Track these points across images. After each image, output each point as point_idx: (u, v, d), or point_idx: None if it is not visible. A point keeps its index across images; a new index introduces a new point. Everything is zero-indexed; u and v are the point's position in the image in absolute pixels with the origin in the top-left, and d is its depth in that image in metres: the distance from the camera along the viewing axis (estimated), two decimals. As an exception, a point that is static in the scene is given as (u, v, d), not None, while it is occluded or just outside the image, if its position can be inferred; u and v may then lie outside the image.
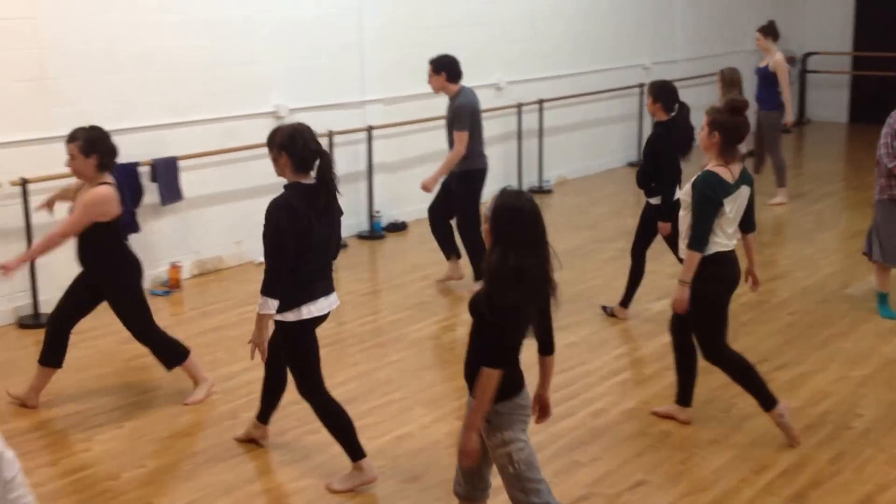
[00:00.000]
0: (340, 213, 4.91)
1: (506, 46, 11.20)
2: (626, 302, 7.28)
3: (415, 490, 4.86)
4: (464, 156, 7.72)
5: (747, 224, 5.31)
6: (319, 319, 4.79)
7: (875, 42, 15.76)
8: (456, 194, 7.87)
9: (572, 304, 7.46)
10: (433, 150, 10.41)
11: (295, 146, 4.63)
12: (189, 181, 8.09)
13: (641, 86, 13.09)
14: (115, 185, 5.61)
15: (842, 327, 7.06)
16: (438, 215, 8.03)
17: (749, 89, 10.53)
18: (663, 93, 6.90)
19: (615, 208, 10.49)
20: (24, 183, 7.06)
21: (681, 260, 5.33)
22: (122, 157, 7.56)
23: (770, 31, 10.83)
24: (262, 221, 4.59)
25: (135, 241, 7.75)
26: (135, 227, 7.74)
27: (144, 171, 7.83)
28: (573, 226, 10.02)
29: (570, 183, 12.14)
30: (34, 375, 5.82)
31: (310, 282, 4.68)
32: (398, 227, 9.95)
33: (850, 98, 16.41)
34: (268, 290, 4.57)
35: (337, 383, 6.11)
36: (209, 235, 8.43)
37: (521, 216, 3.66)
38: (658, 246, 9.20)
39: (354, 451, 4.85)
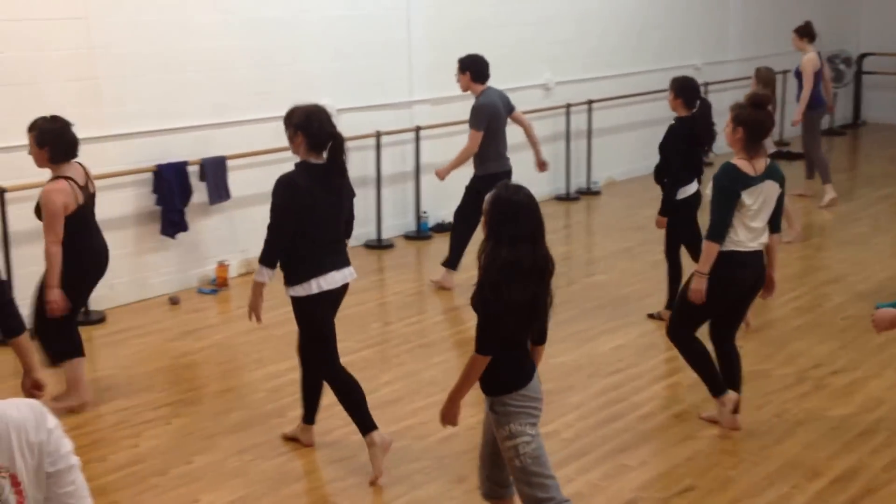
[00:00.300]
0: (352, 194, 5.04)
1: (555, 46, 11.13)
2: (671, 304, 7.19)
3: (460, 491, 4.83)
4: (484, 158, 7.74)
5: (773, 225, 5.25)
6: (333, 293, 4.90)
7: (932, 42, 15.49)
8: (468, 193, 7.83)
9: (620, 306, 7.40)
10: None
11: (311, 127, 4.78)
12: (237, 181, 8.13)
13: (692, 87, 12.95)
14: (69, 179, 5.51)
15: (897, 332, 6.92)
16: (462, 219, 7.95)
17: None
18: (685, 89, 6.90)
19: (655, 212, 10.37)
20: (75, 181, 7.13)
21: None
22: (171, 157, 7.73)
23: (805, 31, 10.84)
24: None
25: (182, 240, 7.89)
26: (183, 226, 7.81)
27: (193, 170, 7.88)
28: (621, 228, 9.93)
29: (619, 185, 12.04)
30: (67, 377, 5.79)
31: (318, 257, 4.83)
32: (445, 228, 9.90)
33: (906, 99, 16.15)
34: (264, 259, 4.82)
35: (382, 383, 6.12)
36: (256, 234, 8.31)
37: (517, 210, 3.70)
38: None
39: (366, 425, 4.96)
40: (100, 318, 7.28)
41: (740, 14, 14.01)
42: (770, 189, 5.14)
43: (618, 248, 9.01)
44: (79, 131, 7.18)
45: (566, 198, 11.36)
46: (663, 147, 6.91)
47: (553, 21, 11.09)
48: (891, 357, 6.47)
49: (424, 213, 9.81)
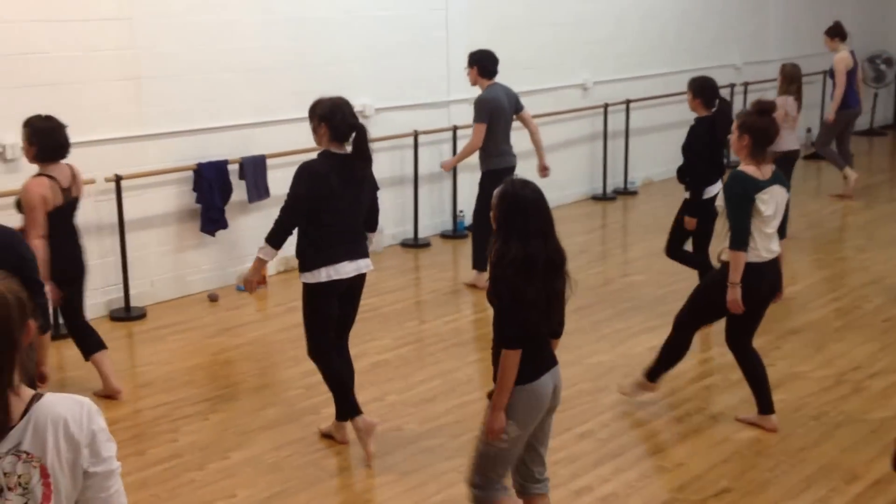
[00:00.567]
0: (375, 187, 5.16)
1: (593, 46, 11.11)
2: None
3: (495, 490, 4.83)
4: (487, 154, 7.78)
5: (780, 230, 5.29)
6: (343, 283, 4.99)
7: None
8: (479, 190, 7.87)
9: (656, 307, 7.37)
10: (517, 149, 10.37)
11: (334, 118, 4.91)
12: (276, 179, 8.17)
13: (732, 86, 12.89)
14: (52, 178, 5.53)
15: (938, 335, 6.85)
16: (477, 218, 7.97)
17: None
18: (704, 89, 6.90)
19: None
20: (118, 179, 7.22)
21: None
22: (212, 156, 7.80)
23: (835, 31, 10.93)
24: None
25: (222, 238, 7.96)
26: (223, 224, 7.88)
27: (233, 169, 7.95)
28: (658, 229, 9.84)
29: (656, 185, 11.98)
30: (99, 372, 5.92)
31: (332, 246, 4.93)
32: (482, 227, 9.92)
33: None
34: (270, 238, 4.96)
35: (418, 381, 6.14)
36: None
37: (526, 206, 3.73)
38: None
39: (345, 412, 5.16)
40: (140, 315, 7.36)
41: (780, 14, 13.90)
42: (778, 193, 5.18)
43: (654, 249, 8.94)
44: (120, 130, 7.35)
45: (603, 198, 11.33)
46: (686, 148, 6.92)
47: (591, 20, 11.06)
48: (931, 360, 6.41)
49: (461, 212, 9.82)
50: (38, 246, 5.36)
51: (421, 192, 9.43)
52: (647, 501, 4.72)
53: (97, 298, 7.33)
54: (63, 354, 6.50)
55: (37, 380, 4.23)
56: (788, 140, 9.13)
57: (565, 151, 11.02)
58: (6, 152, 6.75)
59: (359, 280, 5.12)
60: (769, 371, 6.12)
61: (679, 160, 7.05)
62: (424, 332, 7.10)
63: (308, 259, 4.97)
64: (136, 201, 7.43)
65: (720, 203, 5.24)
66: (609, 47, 11.31)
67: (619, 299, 7.72)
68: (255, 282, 5.12)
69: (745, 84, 13.13)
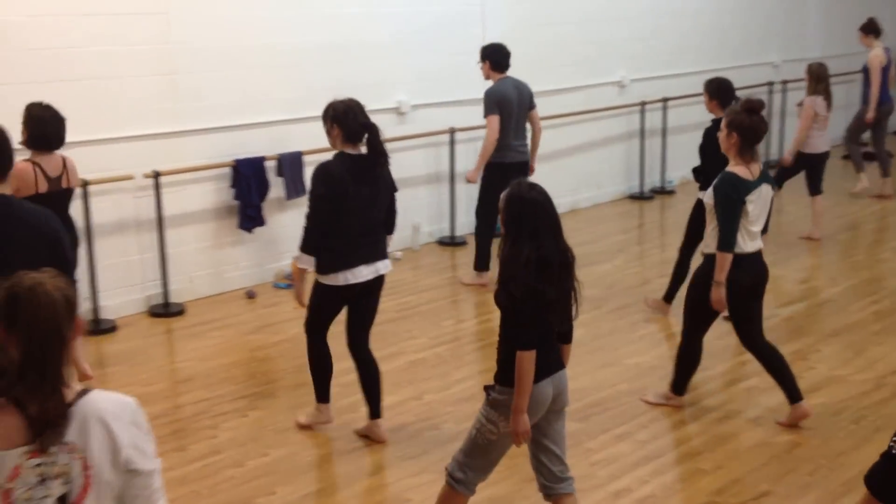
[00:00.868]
0: (393, 188, 5.21)
1: (629, 43, 11.05)
2: (668, 297, 7.23)
3: (533, 489, 4.77)
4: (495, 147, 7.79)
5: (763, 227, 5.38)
6: (358, 286, 5.06)
7: None
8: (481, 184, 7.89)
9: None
10: (554, 147, 10.35)
11: (346, 119, 5.02)
12: (313, 176, 8.20)
13: (771, 84, 12.78)
14: (36, 165, 5.56)
15: (981, 339, 6.76)
16: (482, 215, 7.97)
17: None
18: (720, 90, 6.89)
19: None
20: (156, 175, 7.27)
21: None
22: (249, 152, 7.83)
23: (870, 28, 10.86)
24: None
25: (259, 234, 7.99)
26: (260, 221, 7.91)
27: (270, 165, 7.98)
28: (696, 227, 9.80)
29: (694, 184, 11.85)
30: None
31: (348, 249, 4.99)
32: (517, 225, 9.89)
33: None
34: (304, 246, 5.00)
35: (454, 381, 6.14)
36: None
37: (532, 208, 3.76)
38: (787, 251, 8.98)
39: (322, 395, 5.37)
40: (179, 311, 7.41)
41: (820, 11, 13.76)
42: (765, 192, 5.24)
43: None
44: (158, 126, 7.39)
45: (640, 196, 11.27)
46: (702, 149, 6.88)
47: (629, 17, 11.00)
48: (975, 364, 6.33)
49: (497, 210, 9.79)
50: None
51: (458, 189, 9.41)
52: (685, 504, 4.70)
53: (136, 294, 7.39)
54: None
55: (79, 376, 4.28)
56: (819, 141, 9.06)
57: (601, 150, 10.98)
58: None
59: (376, 281, 5.16)
60: (809, 374, 6.11)
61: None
62: (461, 331, 7.10)
63: (325, 262, 5.02)
64: (174, 197, 7.48)
65: (709, 201, 5.27)
66: (646, 44, 11.24)
67: (657, 299, 7.67)
68: (303, 296, 5.16)
69: (784, 82, 13.02)
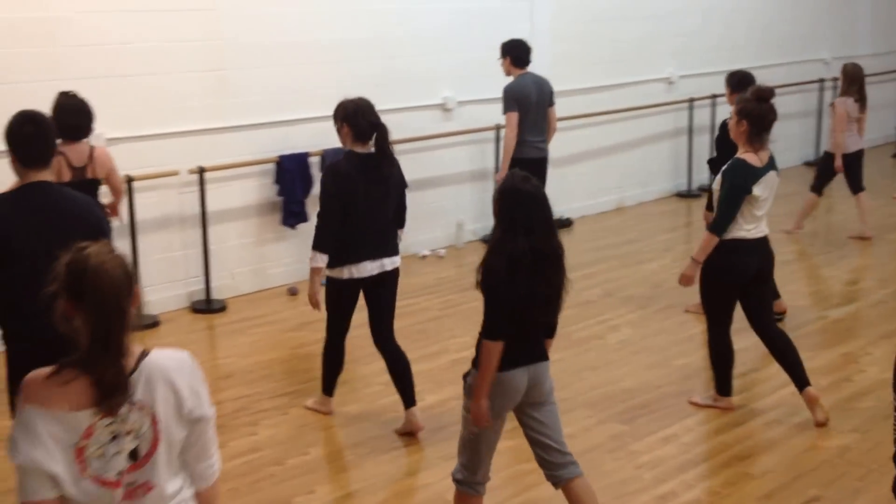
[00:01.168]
0: (403, 184, 5.31)
1: (679, 39, 10.90)
2: None
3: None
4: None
5: None
6: (366, 281, 5.17)
7: None
8: None
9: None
10: (599, 145, 10.26)
11: (356, 118, 5.12)
12: (357, 172, 8.17)
13: (822, 81, 12.56)
14: (58, 152, 5.44)
15: None
16: None
17: None
18: (742, 85, 6.75)
19: (790, 209, 10.02)
20: (200, 171, 7.27)
21: None
22: (293, 148, 7.82)
23: None
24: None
25: (302, 231, 7.96)
26: (303, 217, 7.89)
27: (314, 161, 7.96)
28: (744, 226, 9.65)
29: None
30: None
31: (355, 244, 5.09)
32: (562, 224, 9.81)
33: None
34: (316, 244, 5.09)
35: (498, 380, 6.06)
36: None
37: (525, 200, 3.77)
38: (837, 251, 8.81)
39: (328, 388, 5.54)
40: (221, 307, 7.42)
41: (871, 7, 13.49)
42: (773, 179, 5.31)
43: (740, 248, 8.76)
44: (205, 122, 7.39)
45: (688, 194, 11.12)
46: (718, 141, 6.82)
47: (678, 14, 10.86)
48: None
49: (542, 207, 9.69)
50: None
51: (501, 186, 9.33)
52: (733, 510, 4.60)
53: (178, 290, 7.40)
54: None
55: None
56: (850, 141, 8.95)
57: (649, 147, 10.85)
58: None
59: (386, 276, 5.25)
60: (859, 377, 5.99)
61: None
62: (504, 330, 7.01)
63: (333, 256, 5.12)
64: (218, 193, 7.48)
65: (716, 187, 5.30)
66: (695, 40, 11.08)
67: (704, 299, 7.54)
68: (317, 295, 5.24)
69: (835, 79, 12.73)
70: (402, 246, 8.58)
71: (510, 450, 5.13)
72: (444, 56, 8.79)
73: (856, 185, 9.13)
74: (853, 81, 8.97)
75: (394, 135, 8.36)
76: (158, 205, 7.24)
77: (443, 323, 7.06)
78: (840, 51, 12.94)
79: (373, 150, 5.14)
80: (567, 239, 9.25)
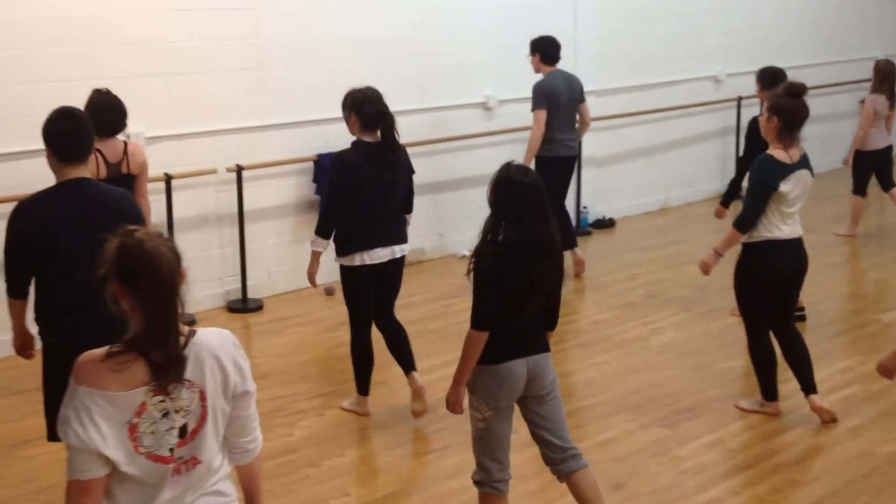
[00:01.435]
0: (410, 170, 5.44)
1: (726, 37, 10.71)
2: None
3: (617, 499, 4.63)
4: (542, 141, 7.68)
5: None
6: (377, 267, 5.29)
7: None
8: None
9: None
10: (645, 144, 10.10)
11: (363, 107, 5.22)
12: (397, 171, 8.10)
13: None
14: (96, 151, 5.40)
15: None
16: None
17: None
18: (772, 81, 6.68)
19: (840, 211, 9.80)
20: (239, 170, 7.24)
21: None
22: (332, 146, 7.69)
23: None
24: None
25: (342, 230, 7.89)
26: (342, 216, 7.82)
27: (354, 160, 7.88)
28: (793, 227, 9.45)
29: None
30: None
31: (366, 232, 5.21)
32: (605, 224, 9.67)
33: None
34: (318, 230, 5.31)
35: (538, 382, 5.95)
36: (413, 226, 8.27)
37: (519, 191, 3.78)
38: (890, 252, 8.60)
39: (363, 388, 5.53)
40: (257, 307, 7.37)
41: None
42: (804, 176, 5.18)
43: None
44: (244, 120, 7.36)
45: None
46: (748, 140, 6.72)
47: (724, 10, 10.67)
48: None
49: (584, 207, 9.58)
50: None
51: (544, 186, 9.21)
52: (780, 518, 4.46)
53: (215, 289, 7.37)
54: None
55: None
56: (878, 138, 8.85)
57: (695, 146, 10.66)
58: (131, 139, 6.80)
59: (395, 264, 5.39)
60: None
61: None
62: (545, 331, 6.89)
63: (343, 244, 5.26)
64: (255, 192, 7.44)
65: (745, 184, 5.26)
66: (743, 38, 10.87)
67: (751, 301, 7.37)
68: (314, 274, 5.41)
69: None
70: (441, 245, 8.64)
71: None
72: (485, 54, 8.69)
73: (887, 182, 9.07)
74: (885, 79, 8.88)
75: (434, 134, 8.43)
76: (196, 203, 7.21)
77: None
78: (893, 48, 12.65)
79: (379, 138, 5.25)
80: (609, 240, 9.25)
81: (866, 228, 9.36)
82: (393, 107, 8.01)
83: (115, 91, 5.80)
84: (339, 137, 7.76)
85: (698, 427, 5.32)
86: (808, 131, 12.04)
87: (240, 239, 7.34)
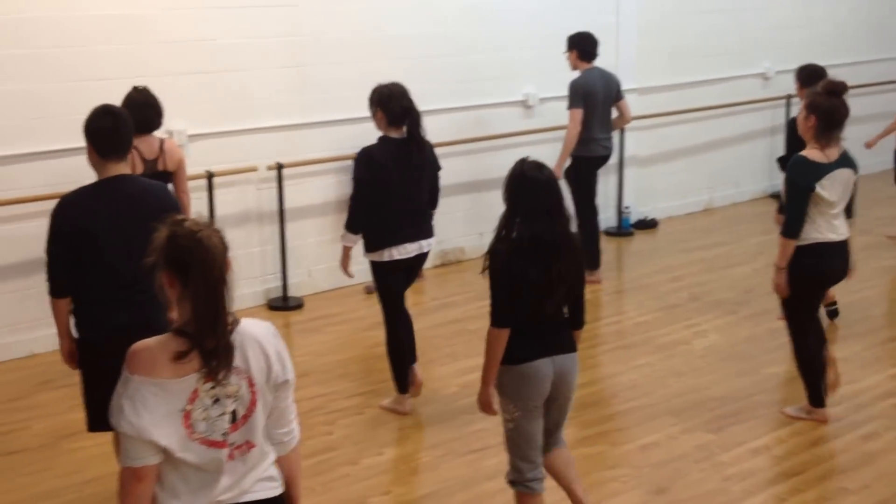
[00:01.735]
0: (437, 167, 5.46)
1: (774, 32, 10.50)
2: None
3: (660, 504, 4.55)
4: (577, 140, 7.56)
5: (847, 210, 5.19)
6: (405, 262, 5.34)
7: None
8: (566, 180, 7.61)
9: (842, 315, 6.83)
10: (688, 143, 9.96)
11: (389, 103, 5.25)
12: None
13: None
14: (134, 148, 5.39)
15: None
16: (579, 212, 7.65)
17: None
18: (811, 79, 6.53)
19: (893, 213, 9.58)
20: (279, 168, 7.22)
21: None
22: (373, 144, 7.70)
23: None
24: None
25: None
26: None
27: (394, 158, 7.84)
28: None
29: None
30: None
31: (394, 227, 5.25)
32: (648, 225, 9.55)
33: None
34: (347, 225, 5.34)
35: (579, 385, 5.83)
36: (453, 226, 8.34)
37: (533, 186, 3.76)
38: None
39: (401, 385, 5.52)
40: (298, 305, 7.35)
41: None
42: (844, 176, 5.03)
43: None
44: (284, 118, 7.33)
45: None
46: (788, 140, 6.54)
47: (774, 4, 10.46)
48: None
49: (626, 208, 9.46)
50: None
51: (585, 185, 9.10)
52: (828, 527, 4.35)
53: (255, 287, 7.35)
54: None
55: None
56: None
57: (742, 145, 10.48)
58: (173, 137, 6.81)
59: (421, 258, 5.45)
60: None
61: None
62: (586, 334, 6.73)
63: (373, 240, 5.31)
64: (296, 190, 7.42)
65: (782, 187, 5.13)
66: (793, 33, 10.66)
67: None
68: (346, 266, 5.48)
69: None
70: (481, 244, 8.55)
71: (591, 456, 4.97)
72: (526, 51, 8.60)
73: None
74: None
75: (474, 132, 8.35)
76: (237, 201, 7.20)
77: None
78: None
79: (405, 134, 5.27)
80: (652, 240, 9.12)
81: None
82: (432, 104, 8.03)
83: (157, 89, 5.82)
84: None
85: (743, 432, 5.22)
86: (858, 131, 11.95)
87: (280, 237, 7.32)
